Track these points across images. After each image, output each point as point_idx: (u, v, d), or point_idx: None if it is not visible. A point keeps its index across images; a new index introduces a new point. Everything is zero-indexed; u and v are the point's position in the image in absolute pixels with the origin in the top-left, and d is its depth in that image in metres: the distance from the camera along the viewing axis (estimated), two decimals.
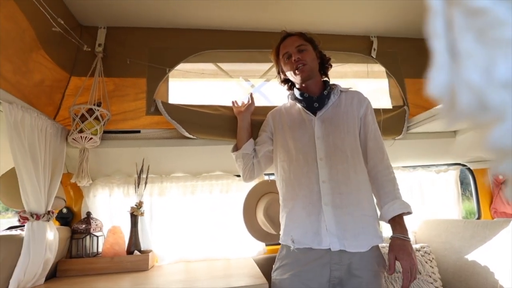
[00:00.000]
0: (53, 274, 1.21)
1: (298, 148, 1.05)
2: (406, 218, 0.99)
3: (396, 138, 1.49)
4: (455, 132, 1.56)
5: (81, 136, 1.18)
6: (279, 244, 1.08)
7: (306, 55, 1.09)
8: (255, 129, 1.28)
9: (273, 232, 1.28)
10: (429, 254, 1.44)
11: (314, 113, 1.08)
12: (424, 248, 1.46)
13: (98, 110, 1.21)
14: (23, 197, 1.01)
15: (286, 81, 1.21)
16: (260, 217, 1.33)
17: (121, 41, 1.41)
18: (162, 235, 1.45)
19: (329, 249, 0.93)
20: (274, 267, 1.04)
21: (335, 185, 0.97)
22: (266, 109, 1.30)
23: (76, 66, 1.34)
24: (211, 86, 1.55)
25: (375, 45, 1.62)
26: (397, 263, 0.94)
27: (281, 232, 1.05)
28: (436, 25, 0.17)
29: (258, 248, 1.50)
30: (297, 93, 1.13)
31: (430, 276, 1.37)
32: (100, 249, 1.34)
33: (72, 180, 1.24)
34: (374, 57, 1.62)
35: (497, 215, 1.80)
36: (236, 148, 1.24)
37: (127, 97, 1.37)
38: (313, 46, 1.14)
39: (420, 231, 1.65)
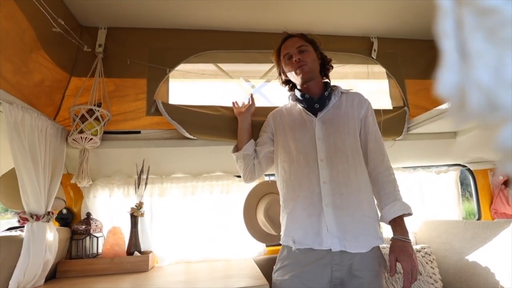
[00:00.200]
0: (53, 275, 1.21)
1: (298, 149, 1.05)
2: (406, 219, 1.00)
3: (397, 139, 1.50)
4: (455, 133, 1.56)
5: (81, 137, 1.18)
6: (279, 245, 1.08)
7: (307, 56, 1.09)
8: (255, 130, 1.28)
9: (273, 232, 1.28)
10: (429, 255, 1.44)
11: (315, 114, 1.08)
12: (424, 249, 1.46)
13: (98, 110, 1.21)
14: (23, 198, 1.01)
15: (287, 82, 1.22)
16: (261, 217, 1.33)
17: (122, 42, 1.41)
18: (162, 236, 1.45)
19: (330, 249, 0.93)
20: (275, 268, 1.03)
21: (335, 186, 0.97)
22: (266, 110, 1.30)
23: (76, 66, 1.34)
24: (211, 87, 1.55)
25: (375, 46, 1.62)
26: (398, 264, 0.94)
27: (281, 233, 1.05)
28: (446, 25, 0.17)
29: (259, 249, 1.49)
30: (298, 94, 1.13)
31: (430, 277, 1.37)
32: (100, 250, 1.33)
33: (72, 181, 1.23)
34: (375, 58, 1.62)
35: (498, 216, 1.80)
36: (236, 149, 1.24)
37: (127, 97, 1.37)
38: (314, 47, 1.14)
39: (421, 232, 1.65)
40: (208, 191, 1.52)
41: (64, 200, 1.35)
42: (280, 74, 1.23)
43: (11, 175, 1.13)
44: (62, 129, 1.24)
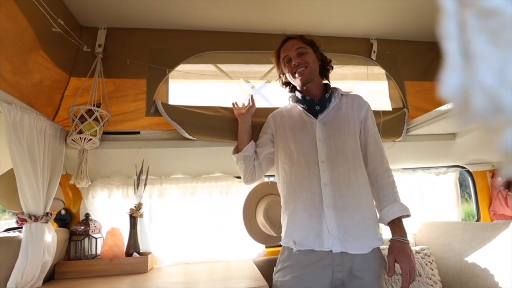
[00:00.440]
0: (51, 276, 1.20)
1: (299, 150, 1.05)
2: (405, 220, 1.01)
3: (396, 140, 1.50)
4: (454, 134, 1.57)
5: (80, 137, 1.18)
6: (279, 246, 1.07)
7: (306, 58, 1.09)
8: (255, 131, 1.28)
9: (273, 234, 1.28)
10: (429, 256, 1.44)
11: (316, 116, 1.08)
12: (424, 250, 1.46)
13: (97, 111, 1.21)
14: (22, 199, 1.00)
15: (287, 83, 1.22)
16: (260, 219, 1.33)
17: (121, 42, 1.41)
18: (162, 237, 1.44)
19: (331, 251, 0.93)
20: (276, 269, 1.03)
21: (336, 187, 0.98)
22: (266, 111, 1.30)
23: (75, 66, 1.34)
24: (211, 88, 1.54)
25: (375, 47, 1.62)
26: (397, 265, 0.95)
27: (282, 234, 1.05)
28: (449, 26, 0.17)
29: (258, 250, 1.49)
30: (298, 95, 1.13)
31: (430, 279, 1.37)
32: (98, 251, 1.33)
33: (71, 182, 1.23)
34: (374, 59, 1.62)
35: (496, 217, 1.80)
36: (237, 150, 1.23)
37: (127, 98, 1.37)
38: (313, 49, 1.14)
39: (420, 233, 1.65)
40: (207, 192, 1.52)
41: (62, 201, 1.34)
42: (280, 76, 1.23)
43: (10, 175, 1.13)
44: (61, 129, 1.23)
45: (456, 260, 1.34)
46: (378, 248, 1.00)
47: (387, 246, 1.01)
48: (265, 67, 1.55)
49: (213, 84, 1.54)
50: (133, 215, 1.34)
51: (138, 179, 1.37)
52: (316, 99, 1.10)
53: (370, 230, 0.97)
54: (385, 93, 1.64)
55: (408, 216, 0.99)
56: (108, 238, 1.33)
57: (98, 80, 1.30)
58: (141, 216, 1.37)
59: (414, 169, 1.81)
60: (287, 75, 1.15)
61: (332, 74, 1.22)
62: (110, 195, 1.43)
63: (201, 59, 1.48)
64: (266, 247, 1.53)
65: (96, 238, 1.33)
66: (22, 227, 1.03)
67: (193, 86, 1.52)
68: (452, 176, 1.81)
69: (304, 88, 1.12)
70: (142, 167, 1.37)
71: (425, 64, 1.69)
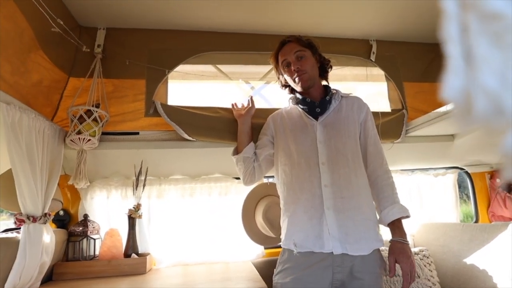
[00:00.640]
0: (49, 277, 1.20)
1: (300, 152, 1.05)
2: (404, 222, 1.01)
3: (395, 141, 1.50)
4: (453, 135, 1.57)
5: (79, 138, 1.17)
6: (278, 247, 1.07)
7: (305, 63, 1.09)
8: (255, 132, 1.28)
9: (272, 235, 1.28)
10: (427, 257, 1.44)
11: (316, 118, 1.08)
12: (422, 251, 1.47)
13: (96, 111, 1.20)
14: (20, 199, 1.00)
15: (287, 85, 1.22)
16: (259, 220, 1.33)
17: (121, 42, 1.40)
18: (160, 238, 1.44)
19: (331, 252, 0.93)
20: (276, 270, 1.03)
21: (337, 189, 0.98)
22: (266, 112, 1.30)
23: (74, 67, 1.33)
24: (210, 88, 1.54)
25: (374, 49, 1.63)
26: (396, 266, 0.96)
27: (282, 236, 1.05)
28: (451, 29, 0.17)
29: (257, 251, 1.49)
30: (299, 97, 1.13)
31: (428, 280, 1.37)
32: (97, 252, 1.32)
33: (70, 182, 1.22)
34: (373, 60, 1.62)
35: (495, 219, 1.81)
36: (236, 152, 1.23)
37: (126, 98, 1.36)
38: (312, 51, 1.13)
39: (419, 234, 1.66)
40: (206, 193, 1.51)
41: (61, 202, 1.34)
42: (279, 77, 1.23)
43: (8, 176, 1.12)
44: (59, 130, 1.23)
45: (454, 262, 1.35)
46: (378, 249, 1.00)
47: (386, 248, 1.01)
48: (265, 68, 1.55)
49: (213, 84, 1.54)
50: (131, 216, 1.34)
51: (137, 179, 1.37)
52: (317, 101, 1.10)
53: (370, 232, 0.98)
54: (384, 94, 1.64)
55: (407, 217, 1.00)
56: (107, 239, 1.32)
57: (97, 80, 1.29)
58: (139, 217, 1.36)
59: (413, 170, 1.81)
60: (287, 79, 1.15)
61: (331, 75, 1.22)
62: (108, 196, 1.43)
63: (201, 59, 1.48)
64: (265, 248, 1.52)
65: (94, 239, 1.33)
66: (20, 228, 1.03)
67: (192, 87, 1.51)
68: (451, 178, 1.82)
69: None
70: (141, 168, 1.37)
71: (424, 65, 1.70)
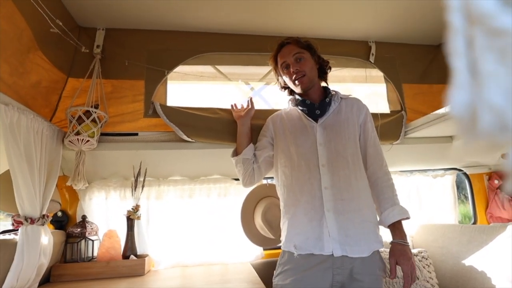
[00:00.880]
0: (47, 279, 1.19)
1: (300, 154, 1.05)
2: (403, 223, 1.02)
3: (394, 143, 1.50)
4: (451, 137, 1.58)
5: (77, 139, 1.17)
6: (277, 248, 1.07)
7: (305, 65, 1.09)
8: (254, 134, 1.28)
9: (271, 236, 1.28)
10: (426, 259, 1.45)
11: (316, 120, 1.08)
12: (421, 253, 1.47)
13: (95, 112, 1.20)
14: (18, 201, 0.99)
15: (286, 87, 1.21)
16: (258, 221, 1.33)
17: (120, 43, 1.40)
18: (159, 239, 1.44)
19: (331, 254, 0.93)
20: (276, 272, 1.03)
21: (337, 191, 0.98)
22: (266, 113, 1.29)
23: (73, 67, 1.33)
24: (210, 89, 1.54)
25: (373, 50, 1.63)
26: (397, 267, 0.96)
27: (282, 238, 1.05)
28: (457, 43, 0.16)
29: (256, 253, 1.49)
30: (298, 99, 1.13)
31: (427, 281, 1.37)
32: (95, 254, 1.32)
33: (68, 183, 1.22)
34: (373, 62, 1.63)
35: (493, 220, 1.82)
36: (236, 153, 1.23)
37: (125, 99, 1.36)
38: (311, 53, 1.13)
39: (417, 235, 1.66)
40: (205, 194, 1.51)
41: (59, 203, 1.33)
42: (278, 79, 1.22)
43: (6, 177, 1.11)
44: (58, 130, 1.22)
45: (453, 263, 1.35)
46: (378, 251, 1.01)
47: (386, 249, 1.01)
48: (264, 69, 1.55)
49: (212, 85, 1.54)
50: (130, 217, 1.34)
51: (136, 180, 1.36)
52: (316, 102, 1.10)
53: (370, 233, 0.98)
54: (383, 95, 1.65)
55: (407, 218, 1.00)
56: (105, 240, 1.32)
57: (96, 81, 1.29)
58: (138, 218, 1.36)
59: (411, 171, 1.82)
60: (286, 81, 1.15)
61: (330, 76, 1.21)
62: (107, 197, 1.42)
63: (200, 60, 1.47)
64: (264, 249, 1.52)
65: (92, 240, 1.32)
66: (18, 230, 1.02)
67: (191, 88, 1.51)
68: (450, 179, 1.83)
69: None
70: (139, 169, 1.37)
71: (423, 67, 1.70)
